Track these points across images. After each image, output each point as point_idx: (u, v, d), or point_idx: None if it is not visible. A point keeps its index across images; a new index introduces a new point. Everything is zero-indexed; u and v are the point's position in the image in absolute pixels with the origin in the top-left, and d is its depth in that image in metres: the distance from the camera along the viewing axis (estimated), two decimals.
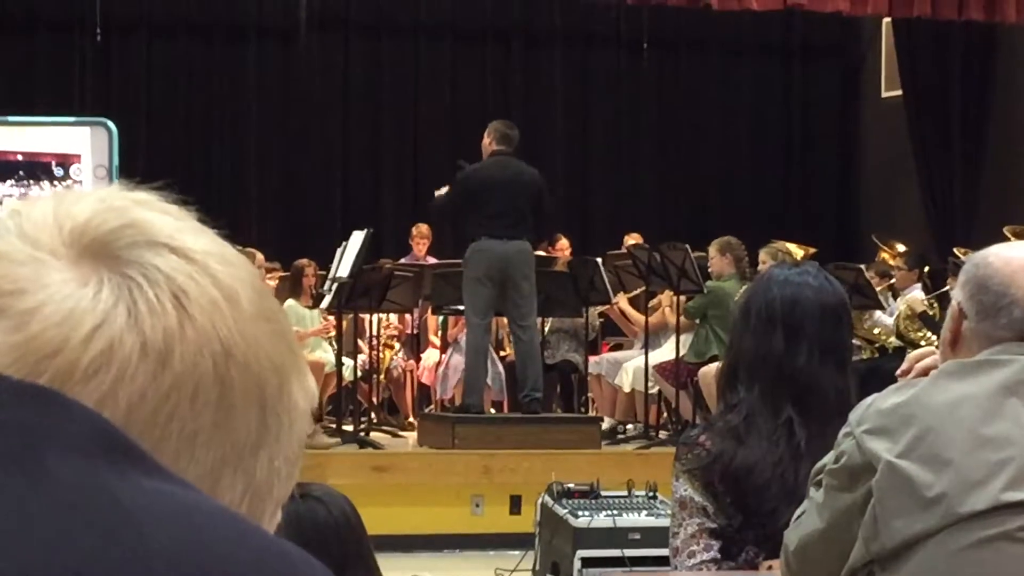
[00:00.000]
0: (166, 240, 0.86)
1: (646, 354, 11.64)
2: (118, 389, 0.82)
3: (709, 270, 11.56)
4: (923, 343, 10.78)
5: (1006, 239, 10.69)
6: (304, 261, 12.45)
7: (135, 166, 14.73)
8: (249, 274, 0.88)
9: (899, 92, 16.11)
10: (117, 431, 0.82)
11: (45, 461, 0.79)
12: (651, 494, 7.78)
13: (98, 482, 0.79)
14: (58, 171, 2.14)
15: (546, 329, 12.63)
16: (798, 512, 2.86)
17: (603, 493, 7.79)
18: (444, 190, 11.00)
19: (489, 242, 10.54)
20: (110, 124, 2.09)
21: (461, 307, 11.28)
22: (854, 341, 10.70)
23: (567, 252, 13.67)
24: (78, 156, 2.08)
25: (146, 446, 0.82)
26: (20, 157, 2.13)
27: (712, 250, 11.61)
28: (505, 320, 11.55)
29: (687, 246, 11.31)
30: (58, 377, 0.82)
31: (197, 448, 0.84)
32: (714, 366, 10.27)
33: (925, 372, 2.78)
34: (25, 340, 0.82)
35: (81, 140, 2.03)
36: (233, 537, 0.80)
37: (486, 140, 10.85)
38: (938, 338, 2.85)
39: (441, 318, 13.04)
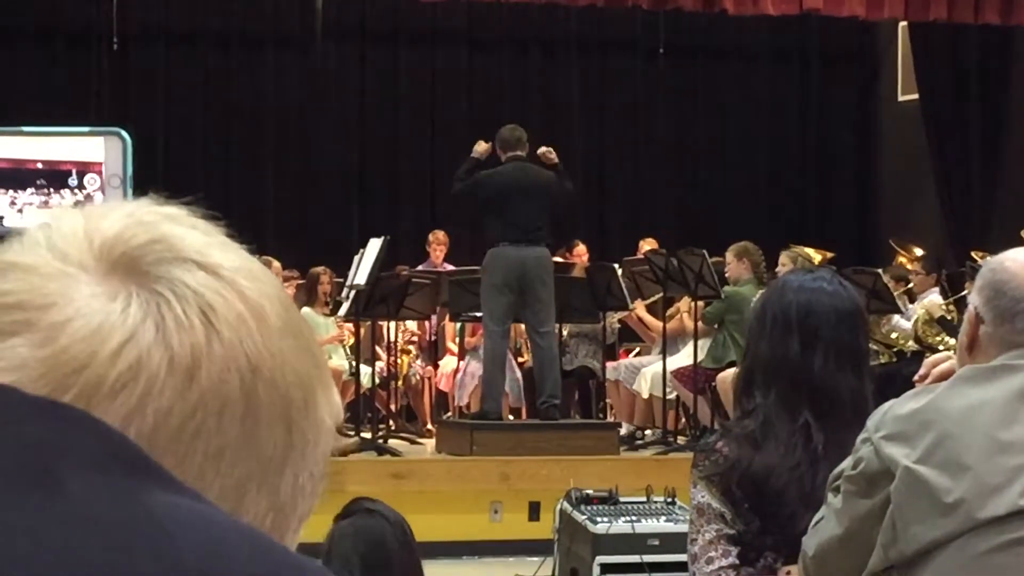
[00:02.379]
0: (194, 256, 0.86)
1: (664, 359, 11.63)
2: (145, 404, 0.82)
3: (726, 275, 11.56)
4: (941, 347, 10.76)
5: (1023, 243, 10.68)
6: (320, 269, 12.46)
7: (153, 175, 14.79)
8: (276, 290, 0.89)
9: (915, 96, 16.09)
10: (134, 446, 0.82)
11: (61, 477, 0.79)
12: (670, 500, 7.78)
13: (116, 497, 0.79)
14: (73, 180, 2.15)
15: (564, 335, 12.63)
16: (816, 518, 2.86)
17: (622, 499, 7.79)
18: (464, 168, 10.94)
19: (507, 248, 10.55)
20: (124, 134, 2.09)
21: (479, 314, 11.29)
22: (872, 346, 10.70)
23: (584, 258, 13.67)
24: (99, 164, 2.08)
25: (172, 461, 0.83)
26: (40, 165, 2.13)
27: (729, 255, 11.61)
28: (523, 327, 11.55)
29: (704, 251, 11.31)
30: (85, 392, 0.82)
31: (223, 464, 0.84)
32: (732, 371, 10.27)
33: (943, 377, 2.78)
34: (53, 354, 0.82)
35: (100, 149, 2.03)
36: (250, 551, 0.80)
37: (496, 150, 10.88)
38: (956, 342, 2.85)
39: (459, 325, 13.04)
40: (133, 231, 0.86)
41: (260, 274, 0.88)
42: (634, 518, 7.61)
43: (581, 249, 13.99)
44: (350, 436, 10.74)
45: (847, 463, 2.72)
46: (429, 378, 13.32)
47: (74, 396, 0.82)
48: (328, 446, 0.90)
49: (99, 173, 2.07)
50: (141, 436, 0.82)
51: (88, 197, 2.12)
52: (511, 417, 12.04)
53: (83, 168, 2.06)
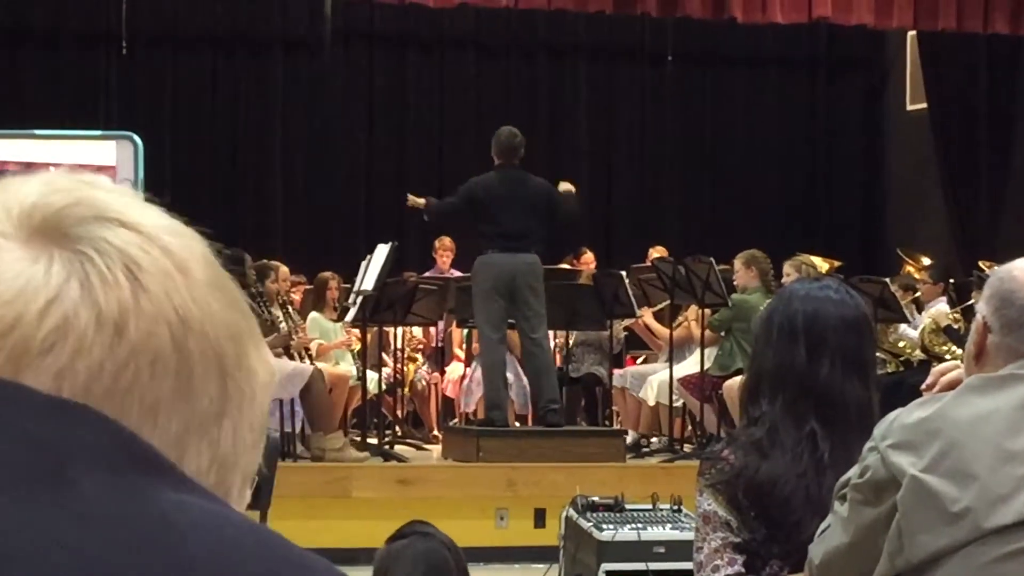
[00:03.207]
0: (115, 215, 0.87)
1: (671, 367, 11.63)
2: (76, 362, 0.83)
3: (734, 283, 11.55)
4: (948, 357, 10.76)
5: None
6: (328, 274, 12.46)
7: (161, 179, 14.79)
8: (199, 244, 0.89)
9: (924, 104, 16.08)
10: (145, 444, 0.83)
11: (72, 476, 0.80)
12: (676, 507, 7.77)
13: (128, 495, 0.80)
14: None
15: (571, 342, 12.63)
16: (823, 526, 2.86)
17: (628, 506, 7.79)
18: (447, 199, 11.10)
19: (495, 256, 10.56)
20: (136, 138, 2.10)
21: None
22: (879, 355, 10.69)
23: (592, 265, 13.67)
24: (111, 167, 2.08)
25: (109, 417, 0.83)
26: (52, 169, 2.13)
27: (737, 263, 11.60)
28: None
29: (712, 259, 11.30)
30: (15, 354, 0.83)
31: (159, 417, 0.85)
32: (739, 379, 10.25)
33: (950, 386, 2.78)
34: None
35: (112, 153, 2.03)
36: (261, 551, 0.81)
37: (492, 152, 10.91)
38: (963, 352, 2.84)
39: (465, 331, 13.04)
40: (51, 197, 0.87)
41: (182, 231, 0.89)
42: (640, 526, 7.61)
43: (588, 257, 13.98)
44: (360, 451, 10.73)
45: (854, 471, 2.72)
46: (435, 384, 13.31)
47: (4, 359, 0.83)
48: (266, 401, 0.91)
49: (111, 177, 2.08)
50: (75, 393, 0.83)
51: None
52: (517, 424, 12.03)
53: (95, 171, 2.06)
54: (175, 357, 0.85)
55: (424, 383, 13.32)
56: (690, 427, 12.18)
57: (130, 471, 0.81)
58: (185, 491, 0.82)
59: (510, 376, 11.33)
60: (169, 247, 0.87)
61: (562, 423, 10.99)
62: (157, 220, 0.88)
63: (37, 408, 0.82)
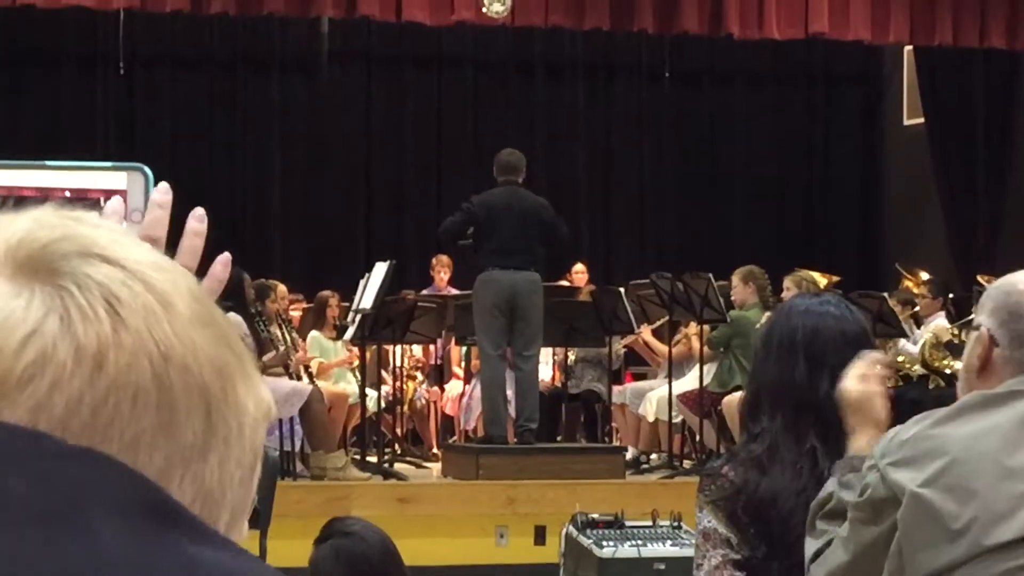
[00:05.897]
0: (99, 250, 0.87)
1: (670, 383, 11.62)
2: (53, 395, 0.83)
3: (732, 299, 11.55)
4: (948, 371, 10.75)
5: None
6: (328, 293, 12.46)
7: None
8: (186, 280, 0.89)
9: (921, 119, 16.09)
10: (162, 493, 0.83)
11: (91, 521, 0.80)
12: (675, 524, 7.77)
13: (145, 544, 0.80)
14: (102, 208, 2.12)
15: (570, 359, 12.63)
16: (820, 545, 2.84)
17: (627, 523, 7.79)
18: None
19: (497, 273, 10.57)
20: (146, 169, 2.10)
21: None
22: None
23: (583, 277, 13.68)
24: (123, 191, 2.07)
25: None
26: (68, 194, 2.12)
27: (735, 279, 11.60)
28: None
29: (710, 275, 11.30)
30: None
31: (140, 451, 0.85)
32: (738, 395, 10.25)
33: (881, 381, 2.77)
34: None
35: (123, 183, 2.03)
36: None
37: (493, 172, 10.94)
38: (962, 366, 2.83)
39: (464, 349, 13.03)
40: (37, 233, 0.87)
41: (168, 267, 0.89)
42: (640, 542, 7.61)
43: (579, 267, 13.97)
44: (362, 471, 10.71)
45: (823, 494, 2.72)
46: (435, 402, 13.30)
47: None
48: (257, 436, 0.91)
49: (123, 201, 2.07)
50: (52, 427, 0.83)
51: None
52: (516, 440, 12.02)
53: (111, 196, 2.05)
54: (156, 391, 0.85)
55: (423, 401, 13.31)
56: (689, 443, 12.18)
57: (149, 521, 0.81)
58: (204, 543, 0.82)
59: (510, 393, 11.33)
60: (152, 282, 0.87)
61: (534, 442, 10.97)
62: (142, 256, 0.88)
63: (58, 454, 0.82)
